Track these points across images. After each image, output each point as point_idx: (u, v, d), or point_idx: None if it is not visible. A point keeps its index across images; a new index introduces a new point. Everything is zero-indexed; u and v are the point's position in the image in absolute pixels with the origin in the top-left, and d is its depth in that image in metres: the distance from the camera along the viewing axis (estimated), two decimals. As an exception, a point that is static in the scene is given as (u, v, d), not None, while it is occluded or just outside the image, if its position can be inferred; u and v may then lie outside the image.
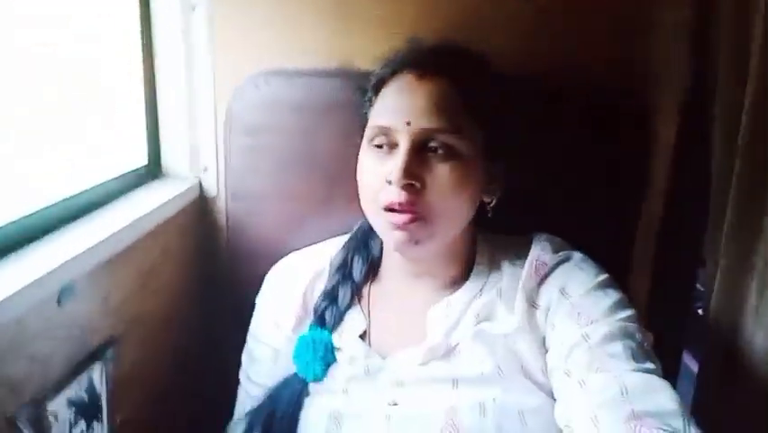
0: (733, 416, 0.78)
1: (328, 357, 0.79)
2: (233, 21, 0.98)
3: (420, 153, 0.72)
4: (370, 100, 0.79)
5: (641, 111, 0.92)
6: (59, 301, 0.68)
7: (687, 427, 0.58)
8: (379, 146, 0.75)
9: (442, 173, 0.72)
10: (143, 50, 0.98)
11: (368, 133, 0.76)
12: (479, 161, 0.75)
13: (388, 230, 0.74)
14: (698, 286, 1.02)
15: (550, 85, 0.91)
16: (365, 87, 0.81)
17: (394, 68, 0.77)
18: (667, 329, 0.91)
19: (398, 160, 0.71)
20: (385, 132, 0.74)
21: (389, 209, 0.73)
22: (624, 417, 0.59)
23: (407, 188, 0.71)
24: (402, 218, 0.72)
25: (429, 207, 0.73)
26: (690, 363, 1.08)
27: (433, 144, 0.72)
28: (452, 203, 0.74)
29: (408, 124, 0.72)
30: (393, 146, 0.74)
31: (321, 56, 0.98)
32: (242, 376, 0.89)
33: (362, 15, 0.97)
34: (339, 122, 0.96)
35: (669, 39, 0.90)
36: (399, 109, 0.73)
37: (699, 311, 0.96)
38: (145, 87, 0.99)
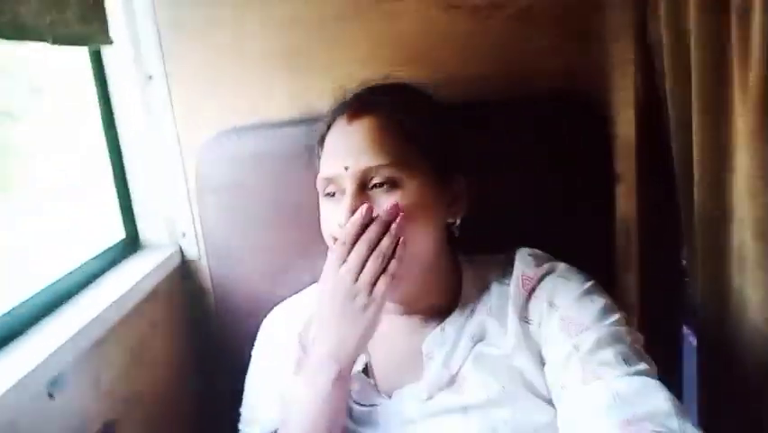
0: (736, 388, 0.79)
1: None
2: (191, 85, 1.00)
3: (365, 192, 0.74)
4: (318, 155, 0.81)
5: (599, 114, 0.94)
6: (50, 395, 0.67)
7: (682, 426, 0.58)
8: (332, 194, 0.76)
9: (387, 206, 0.73)
10: (104, 125, 0.99)
11: (318, 185, 0.78)
12: (428, 186, 0.76)
13: None
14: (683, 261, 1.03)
15: (506, 96, 0.94)
16: (311, 144, 0.83)
17: (330, 118, 0.79)
18: (662, 308, 0.92)
19: (344, 205, 0.73)
20: (331, 181, 0.76)
21: None
22: (619, 423, 0.60)
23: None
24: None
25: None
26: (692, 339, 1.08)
27: (376, 181, 0.74)
28: (403, 232, 0.73)
29: (346, 168, 0.73)
30: (343, 192, 0.75)
31: (280, 109, 0.99)
32: (241, 426, 0.86)
33: (314, 62, 0.99)
34: (306, 168, 0.96)
35: (616, 41, 0.93)
36: (337, 155, 0.75)
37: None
38: (111, 160, 1.00)
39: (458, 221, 0.80)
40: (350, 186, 0.73)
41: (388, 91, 0.80)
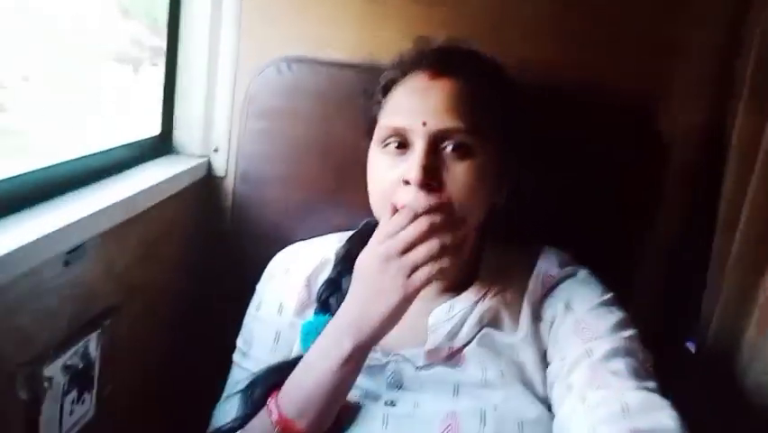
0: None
1: None
2: (262, 3, 0.98)
3: (436, 153, 0.72)
4: (379, 102, 0.79)
5: (661, 131, 0.93)
6: (66, 262, 0.66)
7: None
8: (395, 145, 0.74)
9: (458, 172, 0.72)
10: (169, 23, 0.97)
11: (380, 133, 0.76)
12: (494, 159, 0.75)
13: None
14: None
15: (570, 94, 0.92)
16: (371, 89, 0.81)
17: (404, 68, 0.77)
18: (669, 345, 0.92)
19: (416, 160, 0.71)
20: (399, 132, 0.74)
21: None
22: (625, 432, 0.59)
23: (425, 187, 0.71)
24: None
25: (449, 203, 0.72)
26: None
27: (448, 144, 0.73)
28: (469, 201, 0.73)
29: (424, 124, 0.72)
30: (406, 146, 0.74)
31: (344, 49, 0.98)
32: (236, 357, 0.86)
33: (391, 13, 0.97)
34: (356, 115, 0.95)
35: (693, 61, 0.92)
36: (413, 109, 0.73)
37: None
38: (167, 59, 0.98)
39: (502, 200, 0.79)
40: (423, 143, 0.72)
41: (471, 57, 0.79)
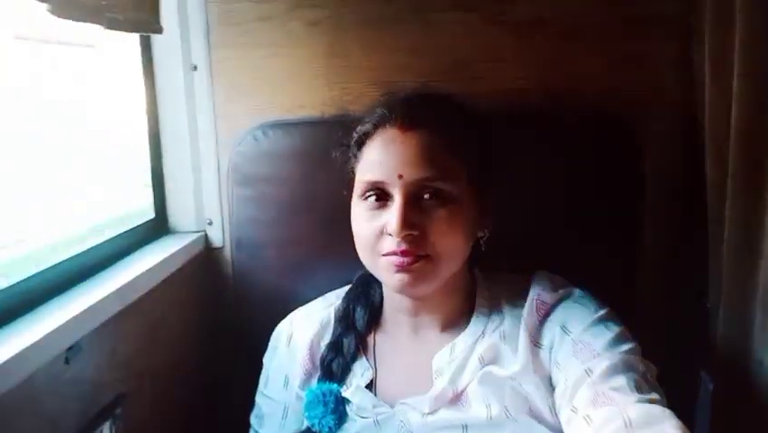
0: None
1: (339, 409, 0.79)
2: (233, 78, 1.03)
3: (414, 202, 0.74)
4: (355, 155, 0.81)
5: (637, 141, 0.93)
6: (66, 360, 0.69)
7: None
8: (374, 198, 0.76)
9: (438, 218, 0.74)
10: (148, 109, 1.02)
11: (359, 187, 0.78)
12: (470, 200, 0.77)
13: (390, 273, 0.75)
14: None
15: (545, 113, 0.94)
16: (347, 143, 0.83)
17: (375, 122, 0.79)
18: (681, 351, 0.90)
19: (395, 213, 0.73)
20: (377, 186, 0.76)
21: (390, 254, 0.74)
22: None
23: (407, 237, 0.73)
24: (405, 260, 0.73)
25: (430, 247, 0.74)
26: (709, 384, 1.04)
27: (425, 192, 0.74)
28: (451, 242, 0.75)
29: (401, 177, 0.74)
30: (385, 198, 0.75)
31: (317, 107, 1.01)
32: None
33: (354, 65, 1.01)
34: (336, 168, 0.98)
35: (659, 70, 0.92)
36: (388, 163, 0.75)
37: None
38: (150, 145, 1.03)
39: (486, 234, 0.80)
40: (402, 195, 0.74)
41: (438, 104, 0.80)
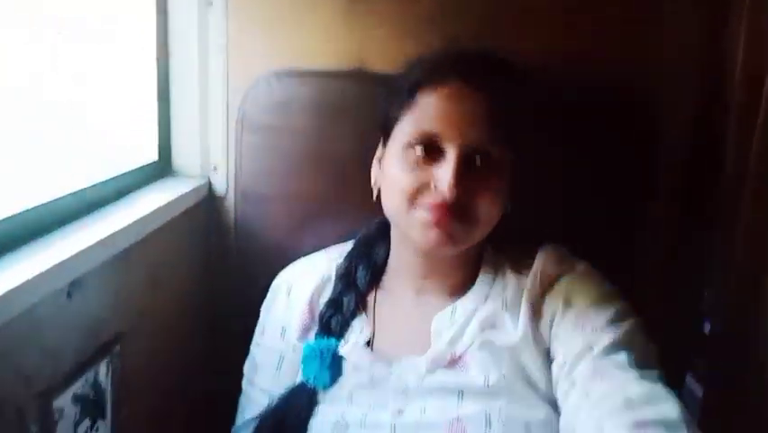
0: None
1: (335, 366, 0.79)
2: (249, 18, 0.98)
3: (468, 163, 0.72)
4: (402, 103, 0.76)
5: (655, 125, 0.92)
6: (69, 294, 0.67)
7: None
8: (422, 149, 0.73)
9: (486, 184, 0.73)
10: (158, 46, 0.98)
11: (408, 136, 0.74)
12: (512, 171, 0.76)
13: (424, 227, 0.73)
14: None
15: (564, 88, 0.91)
16: (393, 86, 0.79)
17: (437, 72, 0.75)
18: (671, 349, 0.91)
19: (450, 170, 0.71)
20: (431, 138, 0.73)
21: (432, 207, 0.72)
22: (628, 425, 0.59)
23: (457, 197, 0.71)
24: (447, 217, 0.72)
25: (472, 210, 0.73)
26: (695, 389, 1.07)
27: (478, 156, 0.73)
28: (492, 210, 0.75)
29: (462, 135, 0.72)
30: (434, 152, 0.73)
31: (334, 57, 0.98)
32: (244, 383, 0.88)
33: (376, 16, 0.97)
34: (351, 123, 0.96)
35: (684, 54, 0.90)
36: (450, 118, 0.72)
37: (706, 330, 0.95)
38: (158, 82, 0.99)
39: (509, 209, 0.79)
40: (458, 153, 0.72)
41: (505, 69, 0.78)
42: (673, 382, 0.95)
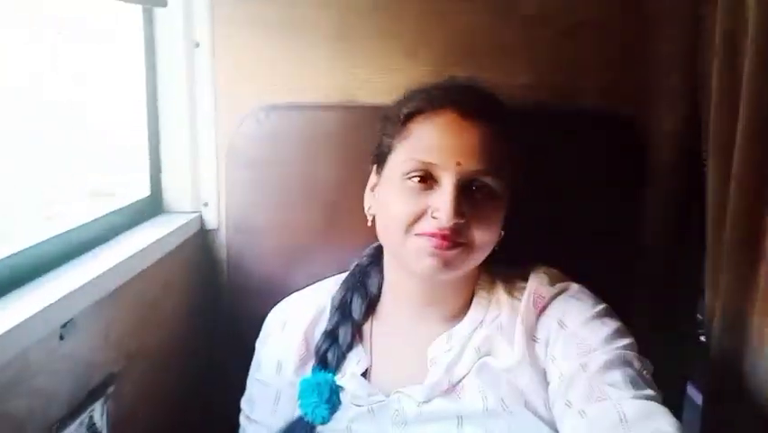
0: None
1: (333, 399, 0.78)
2: (235, 57, 1.01)
3: (463, 191, 0.73)
4: (395, 133, 0.78)
5: (639, 140, 0.94)
6: (61, 337, 0.67)
7: None
8: (418, 179, 0.74)
9: (483, 211, 0.74)
10: (147, 86, 1.00)
11: (405, 165, 0.75)
12: (506, 198, 0.78)
13: (422, 254, 0.74)
14: (698, 316, 1.02)
15: (548, 109, 0.94)
16: (386, 115, 0.81)
17: (431, 102, 0.77)
18: (669, 360, 0.91)
19: (447, 199, 0.72)
20: (427, 167, 0.74)
21: (429, 235, 0.73)
22: None
23: (455, 225, 0.72)
24: (444, 244, 0.73)
25: (470, 237, 0.74)
26: (695, 397, 1.07)
27: (474, 184, 0.74)
28: (489, 236, 0.76)
29: (459, 164, 0.73)
30: (430, 181, 0.74)
31: (321, 92, 1.00)
32: (242, 419, 0.87)
33: (358, 49, 0.99)
34: (338, 153, 0.97)
35: (664, 69, 0.93)
36: (447, 147, 0.74)
37: (702, 338, 0.96)
38: (148, 121, 1.01)
39: (503, 233, 0.80)
40: (455, 182, 0.73)
41: (493, 98, 0.80)
42: (674, 391, 0.96)
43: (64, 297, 0.67)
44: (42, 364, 0.64)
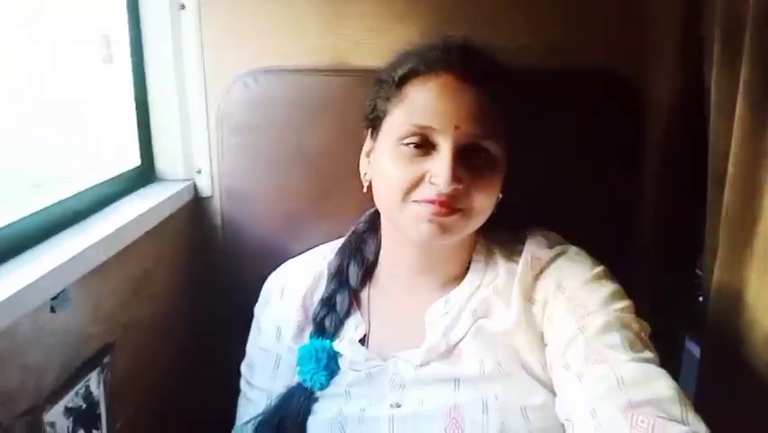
0: (735, 402, 0.78)
1: (331, 366, 0.79)
2: (222, 19, 0.98)
3: (461, 156, 0.72)
4: (390, 96, 0.76)
5: (638, 99, 0.92)
6: (52, 309, 0.67)
7: (685, 413, 0.58)
8: (414, 145, 0.73)
9: (482, 176, 0.73)
10: (132, 52, 0.97)
11: (401, 130, 0.73)
12: (504, 163, 0.76)
13: (419, 220, 0.73)
14: (697, 271, 1.02)
15: (545, 68, 0.91)
16: (380, 79, 0.78)
17: (427, 64, 0.74)
18: (668, 316, 0.92)
19: (445, 165, 0.70)
20: (424, 131, 0.72)
21: (427, 202, 0.72)
22: (621, 407, 0.60)
23: (453, 190, 0.71)
24: (442, 210, 0.72)
25: (468, 202, 0.73)
26: (695, 351, 1.08)
27: (472, 148, 0.73)
28: (487, 201, 0.75)
29: (457, 128, 0.71)
30: (427, 146, 0.72)
31: (310, 55, 0.97)
32: (242, 384, 0.88)
33: (353, 11, 0.96)
34: (331, 119, 0.95)
35: (664, 27, 0.90)
36: (444, 111, 0.72)
37: (701, 298, 0.96)
38: (135, 88, 0.98)
39: (500, 197, 0.78)
40: (453, 146, 0.71)
41: (494, 63, 0.77)
42: (672, 344, 0.96)
43: (54, 269, 0.67)
44: (33, 338, 0.65)
